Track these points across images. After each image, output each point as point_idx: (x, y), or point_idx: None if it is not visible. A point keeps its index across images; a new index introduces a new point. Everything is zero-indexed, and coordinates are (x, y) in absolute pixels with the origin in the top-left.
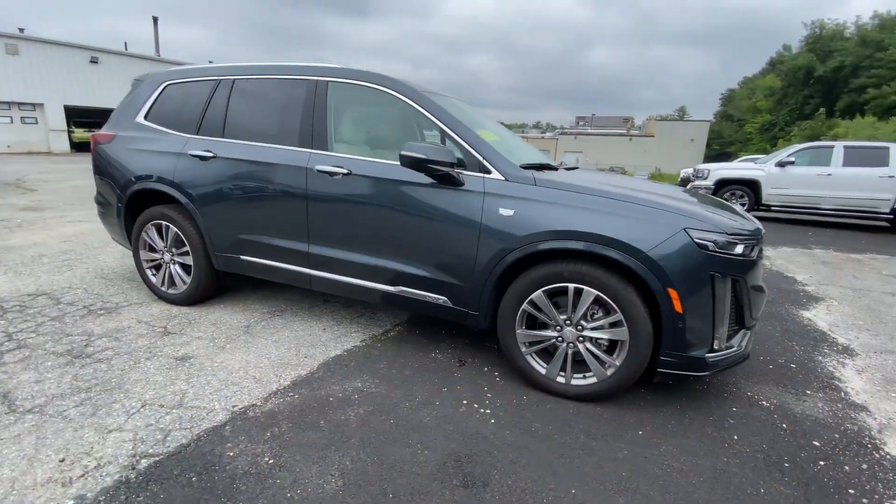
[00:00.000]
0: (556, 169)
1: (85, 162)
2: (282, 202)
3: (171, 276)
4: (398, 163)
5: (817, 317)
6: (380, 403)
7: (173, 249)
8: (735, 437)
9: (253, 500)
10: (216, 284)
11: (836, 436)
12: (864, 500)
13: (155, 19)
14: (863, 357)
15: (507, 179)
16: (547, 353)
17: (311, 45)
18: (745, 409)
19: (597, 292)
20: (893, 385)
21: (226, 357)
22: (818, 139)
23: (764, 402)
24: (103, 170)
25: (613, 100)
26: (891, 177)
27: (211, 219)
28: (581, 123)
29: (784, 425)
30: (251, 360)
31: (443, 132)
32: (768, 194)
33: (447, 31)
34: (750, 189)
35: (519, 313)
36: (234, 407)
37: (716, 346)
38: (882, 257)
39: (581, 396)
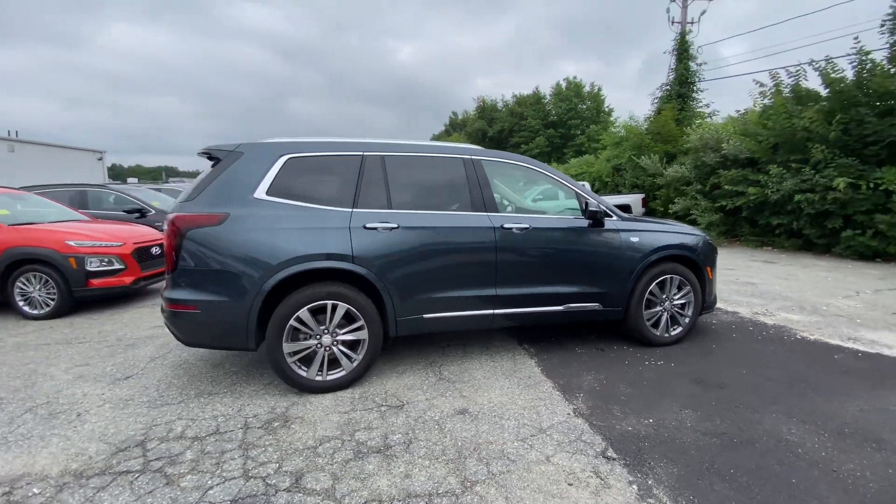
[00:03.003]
0: None
1: None
2: (472, 257)
3: (329, 360)
4: (559, 216)
5: None
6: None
7: (337, 330)
8: (712, 325)
9: None
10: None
11: (740, 319)
12: (749, 329)
13: None
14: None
15: (620, 219)
16: (659, 322)
17: None
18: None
19: (680, 277)
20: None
21: (492, 396)
22: None
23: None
24: (210, 259)
25: None
26: None
27: (397, 287)
28: None
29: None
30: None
31: (577, 194)
32: None
33: (109, 65)
34: None
35: (645, 297)
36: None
37: None
38: None
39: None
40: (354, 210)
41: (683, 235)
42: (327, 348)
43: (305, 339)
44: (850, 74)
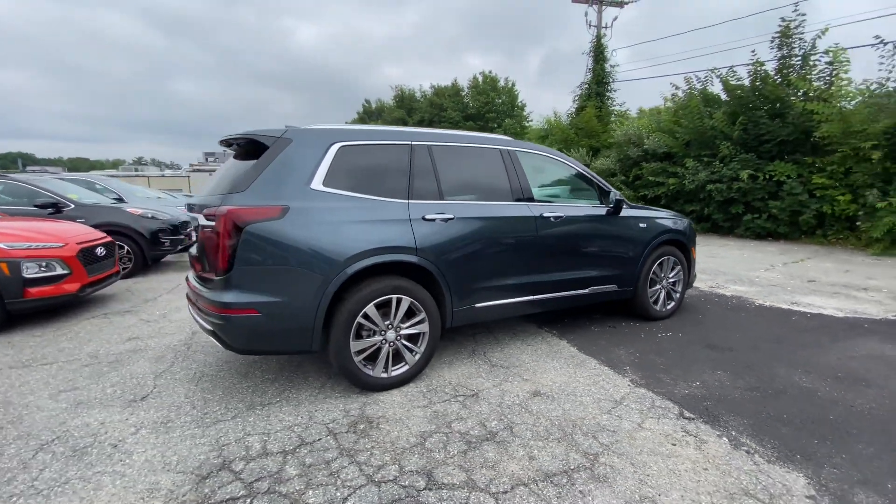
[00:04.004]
0: None
1: None
2: (517, 246)
3: (393, 355)
4: (583, 204)
5: None
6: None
7: (401, 325)
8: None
9: None
10: None
11: (703, 293)
12: (716, 300)
13: None
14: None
15: (632, 208)
16: (658, 299)
17: None
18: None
19: (674, 258)
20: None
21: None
22: None
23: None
24: (273, 256)
25: (217, 135)
26: None
27: (455, 278)
28: (212, 159)
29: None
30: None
31: (598, 185)
32: None
33: None
34: None
35: (650, 272)
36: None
37: None
38: None
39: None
40: (410, 201)
41: (675, 220)
42: (391, 344)
43: (369, 335)
44: (747, 82)
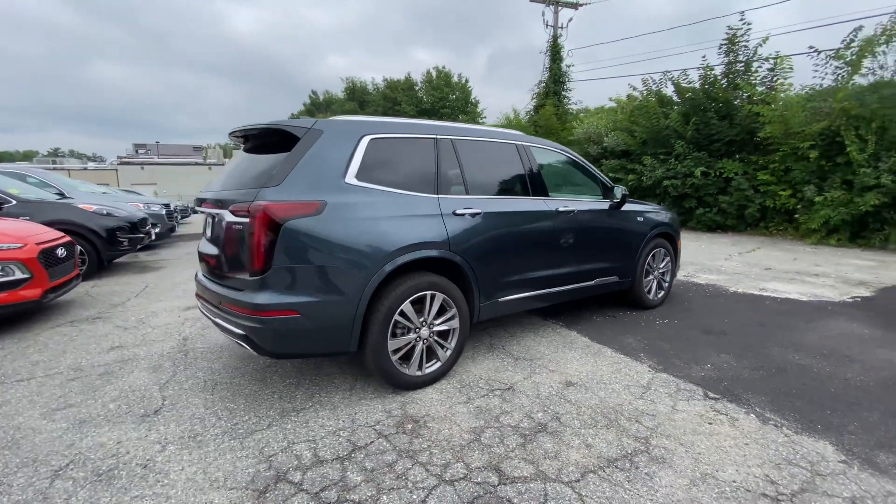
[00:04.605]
0: None
1: None
2: (537, 239)
3: (425, 352)
4: (592, 198)
5: None
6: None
7: (433, 322)
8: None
9: None
10: None
11: (681, 282)
12: (695, 289)
13: None
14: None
15: (632, 202)
16: (651, 288)
17: None
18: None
19: (665, 249)
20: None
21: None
22: None
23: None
24: (312, 253)
25: (149, 125)
26: None
27: (483, 273)
28: (143, 151)
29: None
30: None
31: (601, 180)
32: None
33: None
34: None
35: (646, 263)
36: None
37: None
38: None
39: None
40: (440, 196)
41: (665, 214)
42: (425, 341)
43: (403, 334)
44: (697, 85)
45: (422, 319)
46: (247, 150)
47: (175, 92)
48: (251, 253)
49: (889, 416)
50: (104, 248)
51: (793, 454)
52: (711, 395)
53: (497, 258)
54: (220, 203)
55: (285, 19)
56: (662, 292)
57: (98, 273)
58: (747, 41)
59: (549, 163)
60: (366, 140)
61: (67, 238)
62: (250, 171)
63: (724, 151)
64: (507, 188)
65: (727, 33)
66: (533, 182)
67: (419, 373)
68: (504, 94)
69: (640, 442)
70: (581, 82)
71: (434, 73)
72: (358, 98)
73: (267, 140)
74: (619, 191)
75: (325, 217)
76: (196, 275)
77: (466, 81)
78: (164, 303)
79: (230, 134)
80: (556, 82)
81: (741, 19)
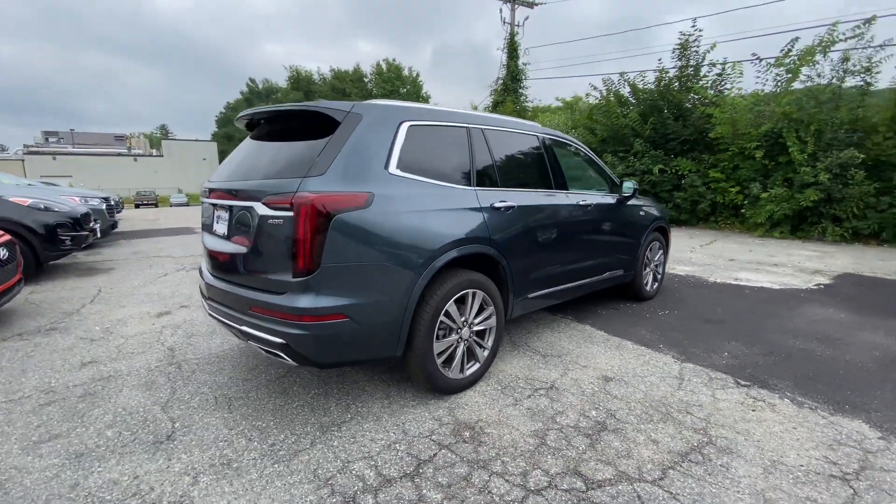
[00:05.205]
0: None
1: None
2: (562, 233)
3: (465, 353)
4: (602, 192)
5: None
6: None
7: (475, 321)
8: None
9: None
10: None
11: (677, 277)
12: (679, 280)
13: None
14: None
15: (636, 196)
16: (648, 280)
17: None
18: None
19: (660, 242)
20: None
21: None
22: None
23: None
24: (361, 250)
25: (60, 111)
26: None
27: (517, 268)
28: (54, 140)
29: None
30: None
31: (609, 175)
32: None
33: None
34: None
35: (645, 255)
36: None
37: None
38: None
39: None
40: (477, 189)
41: (659, 208)
42: (465, 342)
43: (446, 335)
44: (653, 87)
45: (463, 319)
46: (259, 137)
47: (88, 75)
48: (296, 251)
49: None
50: (43, 247)
51: (838, 434)
52: (742, 382)
53: (529, 253)
54: (243, 194)
55: (213, 2)
56: (657, 284)
57: (35, 277)
58: (698, 47)
59: (563, 155)
60: (405, 126)
61: (8, 237)
62: (278, 158)
63: (678, 150)
64: (533, 181)
65: (680, 39)
66: (555, 175)
67: (461, 375)
68: (449, 90)
69: (700, 434)
70: (532, 80)
71: (384, 66)
72: (303, 88)
73: (293, 125)
74: (629, 185)
75: (373, 210)
76: (200, 272)
77: (418, 75)
78: (128, 309)
79: (239, 117)
80: (513, 79)
81: (693, 26)
